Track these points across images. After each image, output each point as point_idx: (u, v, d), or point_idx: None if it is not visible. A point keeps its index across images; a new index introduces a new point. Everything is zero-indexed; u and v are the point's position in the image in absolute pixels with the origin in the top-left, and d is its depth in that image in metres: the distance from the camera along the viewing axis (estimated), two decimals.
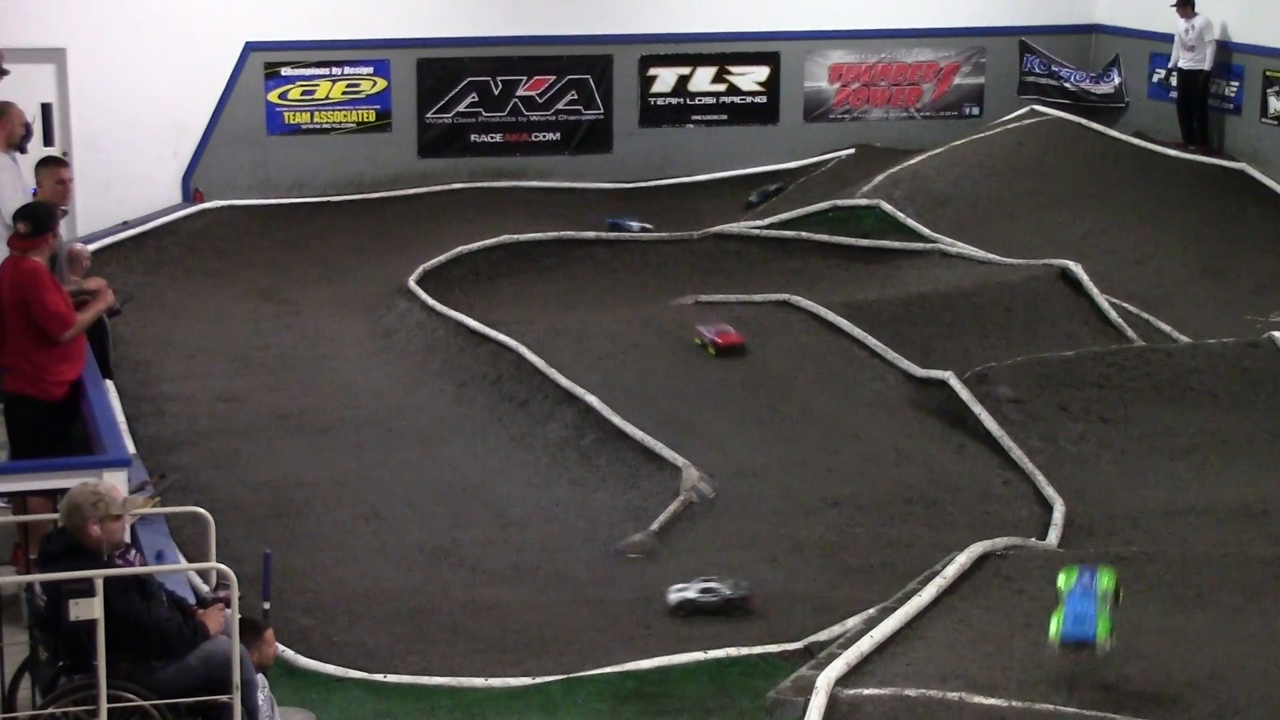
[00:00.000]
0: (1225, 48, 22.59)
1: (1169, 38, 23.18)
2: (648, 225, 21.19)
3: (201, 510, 9.27)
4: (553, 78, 23.73)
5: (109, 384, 14.58)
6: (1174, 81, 22.85)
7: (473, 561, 12.62)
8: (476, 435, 15.08)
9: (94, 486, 8.32)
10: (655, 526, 12.88)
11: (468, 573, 12.42)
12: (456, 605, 11.96)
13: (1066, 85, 24.78)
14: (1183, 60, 22.35)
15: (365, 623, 11.64)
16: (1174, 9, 22.20)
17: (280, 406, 15.89)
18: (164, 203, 22.19)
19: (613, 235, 20.79)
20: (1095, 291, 17.88)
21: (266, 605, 9.49)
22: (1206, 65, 22.08)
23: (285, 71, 22.83)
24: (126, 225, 21.36)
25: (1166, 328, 17.78)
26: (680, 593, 11.65)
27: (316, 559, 12.66)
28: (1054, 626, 9.79)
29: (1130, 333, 17.34)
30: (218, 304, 19.02)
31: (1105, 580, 9.97)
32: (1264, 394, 15.56)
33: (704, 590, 11.69)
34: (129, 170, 21.96)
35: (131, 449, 13.00)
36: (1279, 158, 21.98)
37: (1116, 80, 24.57)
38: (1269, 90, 22.16)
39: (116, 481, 9.32)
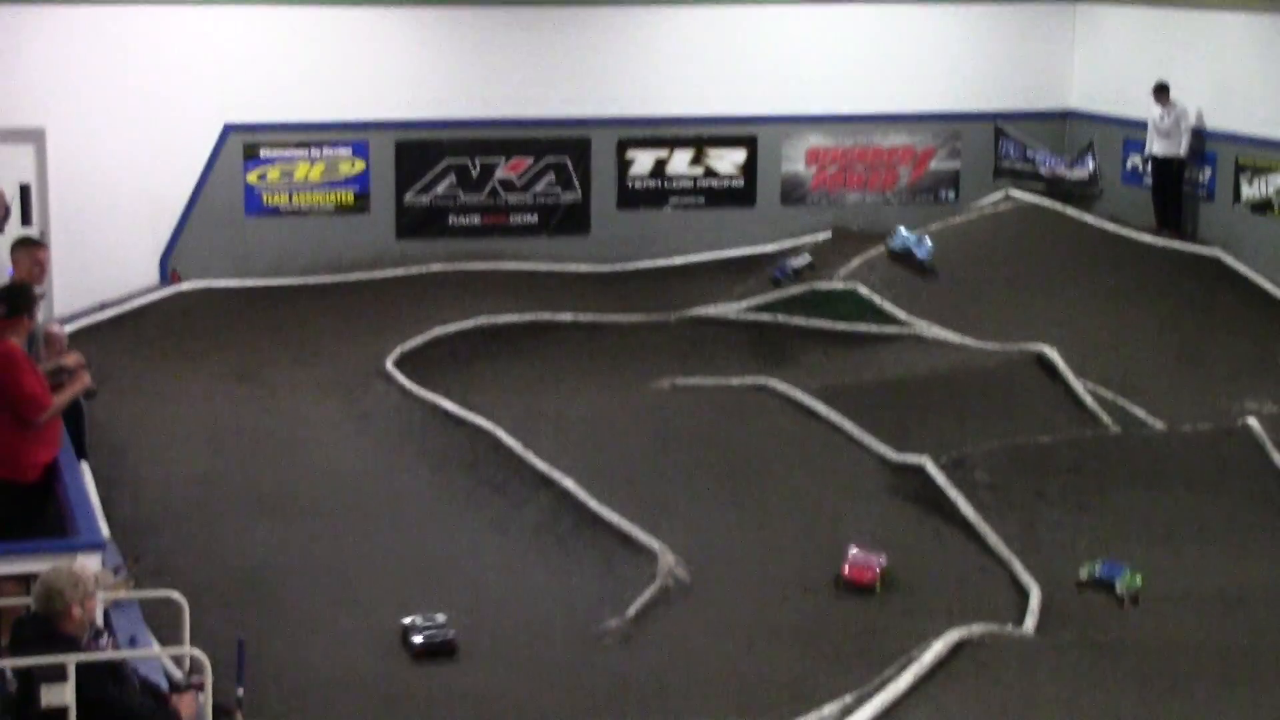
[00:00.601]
0: (1199, 135, 22.80)
1: (1143, 124, 23.37)
2: (808, 262, 20.84)
3: (175, 594, 9.22)
4: (531, 160, 23.83)
5: (84, 466, 14.55)
6: (1148, 168, 22.95)
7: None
8: (453, 518, 15.04)
9: (70, 568, 8.28)
10: (631, 612, 12.84)
11: (444, 657, 12.35)
12: (432, 690, 11.89)
13: (1041, 170, 24.95)
14: (1157, 147, 22.48)
15: (341, 708, 11.57)
16: (1152, 95, 22.42)
17: (256, 489, 15.83)
18: (141, 284, 22.19)
19: (589, 318, 20.80)
20: (1071, 376, 17.94)
21: (240, 691, 9.42)
22: (1182, 152, 22.25)
23: (264, 153, 22.90)
24: (104, 306, 21.34)
25: (1142, 413, 17.83)
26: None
27: (291, 643, 12.58)
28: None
29: (1106, 418, 17.39)
30: (194, 385, 18.97)
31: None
32: (1239, 480, 15.60)
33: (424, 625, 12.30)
34: (106, 251, 21.96)
35: (106, 531, 12.95)
36: (1252, 244, 22.14)
37: (1091, 166, 24.75)
38: (1241, 177, 22.35)
39: (90, 564, 9.28)
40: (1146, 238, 22.08)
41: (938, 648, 11.47)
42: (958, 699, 10.97)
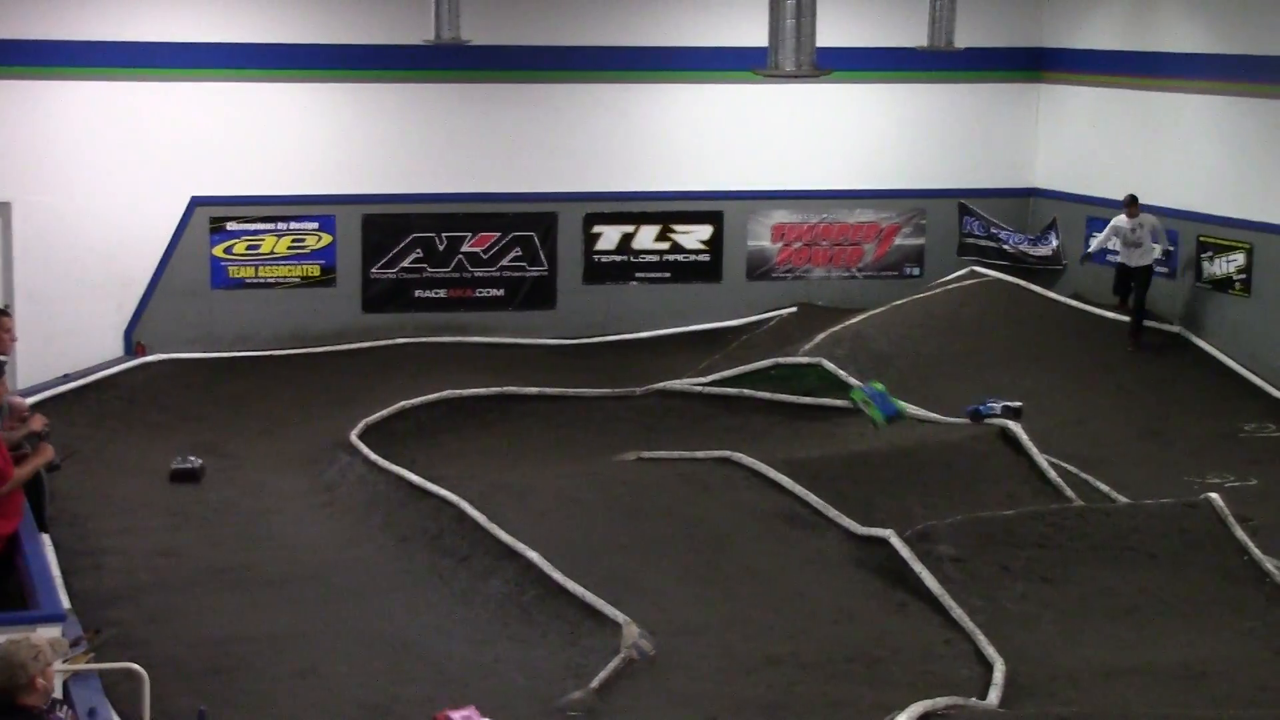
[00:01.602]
0: (1161, 213, 23.00)
1: (1105, 202, 23.60)
2: (1011, 404, 19.25)
3: (136, 666, 9.16)
4: (497, 234, 23.93)
5: (45, 538, 14.48)
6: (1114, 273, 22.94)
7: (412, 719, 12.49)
8: (417, 591, 14.98)
9: (28, 640, 8.22)
10: (595, 684, 12.79)
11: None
12: None
13: (1005, 247, 25.14)
14: (1128, 259, 22.46)
15: None
16: (1123, 207, 22.43)
17: (219, 561, 15.77)
18: (105, 356, 22.17)
19: (555, 391, 20.81)
20: (1034, 451, 18.00)
21: None
22: (1159, 255, 22.42)
23: (231, 226, 22.95)
24: (67, 378, 21.30)
25: (1105, 488, 17.90)
26: None
27: (253, 717, 12.49)
28: (876, 415, 16.49)
29: (1069, 493, 17.43)
30: (158, 458, 18.91)
31: (878, 385, 17.36)
32: (1202, 555, 15.64)
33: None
34: (71, 323, 21.97)
35: (66, 604, 12.88)
36: (1214, 321, 22.33)
37: (1054, 243, 24.95)
38: (1203, 255, 22.54)
39: (48, 634, 9.22)
40: (1110, 314, 22.22)
41: None
42: None
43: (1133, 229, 22.25)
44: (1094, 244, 23.02)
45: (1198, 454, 19.32)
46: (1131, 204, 22.33)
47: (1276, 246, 21.62)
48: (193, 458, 18.61)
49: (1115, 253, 22.74)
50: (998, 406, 18.94)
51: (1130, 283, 22.45)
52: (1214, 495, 16.47)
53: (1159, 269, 22.71)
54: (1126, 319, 22.33)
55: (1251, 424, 20.40)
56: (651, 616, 13.97)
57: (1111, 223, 22.57)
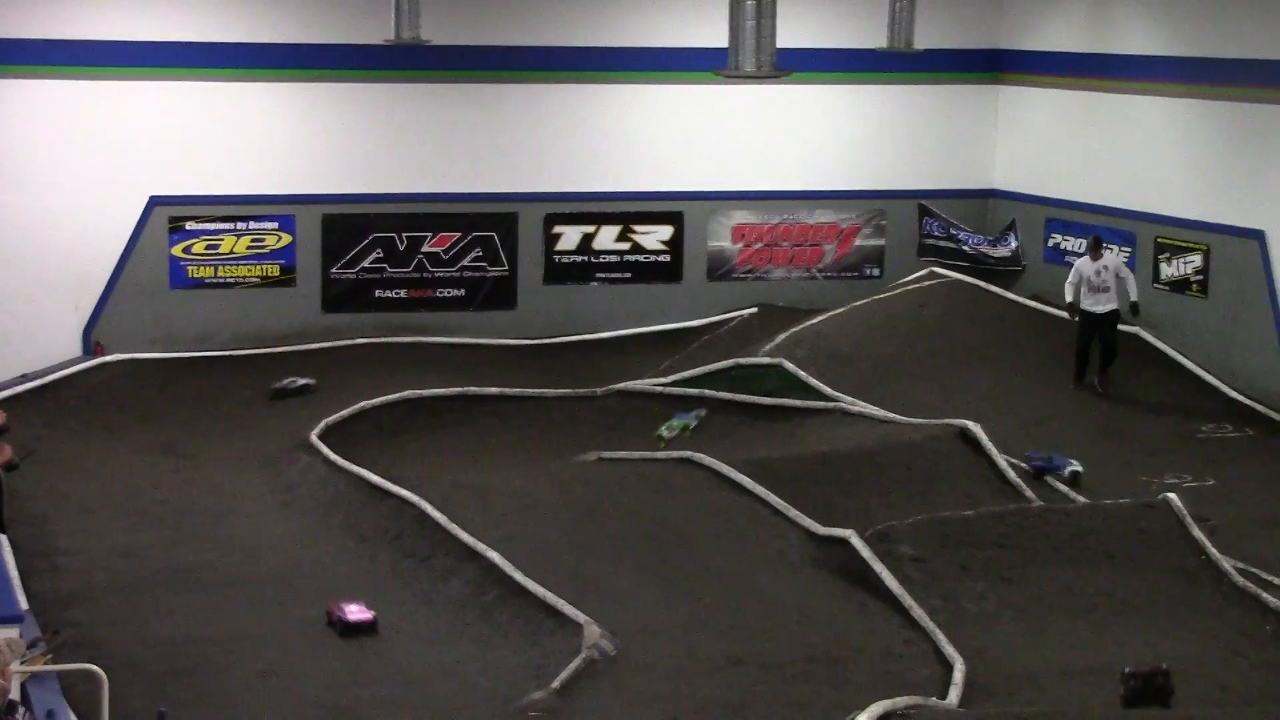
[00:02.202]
0: (1119, 214, 23.12)
1: (1064, 203, 23.72)
2: (1077, 468, 18.38)
3: (95, 668, 9.13)
4: (458, 234, 23.90)
5: (2, 539, 14.44)
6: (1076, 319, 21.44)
7: None
8: (378, 591, 14.95)
9: None
10: (557, 684, 12.78)
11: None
12: None
13: (965, 248, 25.22)
14: (1093, 304, 21.11)
15: None
16: (1087, 250, 21.44)
17: (178, 562, 15.71)
18: (64, 356, 22.06)
19: (516, 391, 20.79)
20: (994, 451, 18.06)
21: None
22: (1134, 297, 21.16)
23: (190, 226, 22.86)
24: (25, 378, 21.19)
25: (1064, 488, 17.97)
26: None
27: (213, 718, 12.46)
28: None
29: (1029, 493, 17.50)
30: (117, 458, 18.84)
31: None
32: (1160, 554, 15.71)
33: None
34: (29, 323, 21.88)
35: (24, 605, 12.83)
36: (1172, 322, 22.43)
37: (1013, 244, 25.04)
38: (1160, 256, 22.65)
39: (4, 634, 9.18)
40: (1067, 315, 22.32)
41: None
42: None
43: (1097, 272, 21.09)
44: (1069, 293, 21.27)
45: (1156, 454, 19.41)
46: (1095, 247, 21.35)
47: (1233, 248, 21.74)
48: (299, 379, 20.48)
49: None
50: (1066, 471, 18.27)
51: (1095, 334, 21.11)
52: (1172, 495, 16.56)
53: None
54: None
55: (1209, 425, 20.52)
56: (612, 617, 13.97)
57: (1075, 266, 21.45)
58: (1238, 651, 14.17)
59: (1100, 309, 21.11)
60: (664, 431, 18.90)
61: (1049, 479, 18.08)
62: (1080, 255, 21.87)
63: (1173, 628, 14.66)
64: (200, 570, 15.49)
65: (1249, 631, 14.56)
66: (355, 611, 14.04)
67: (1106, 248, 21.77)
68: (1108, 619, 14.80)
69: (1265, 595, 15.08)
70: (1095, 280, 21.10)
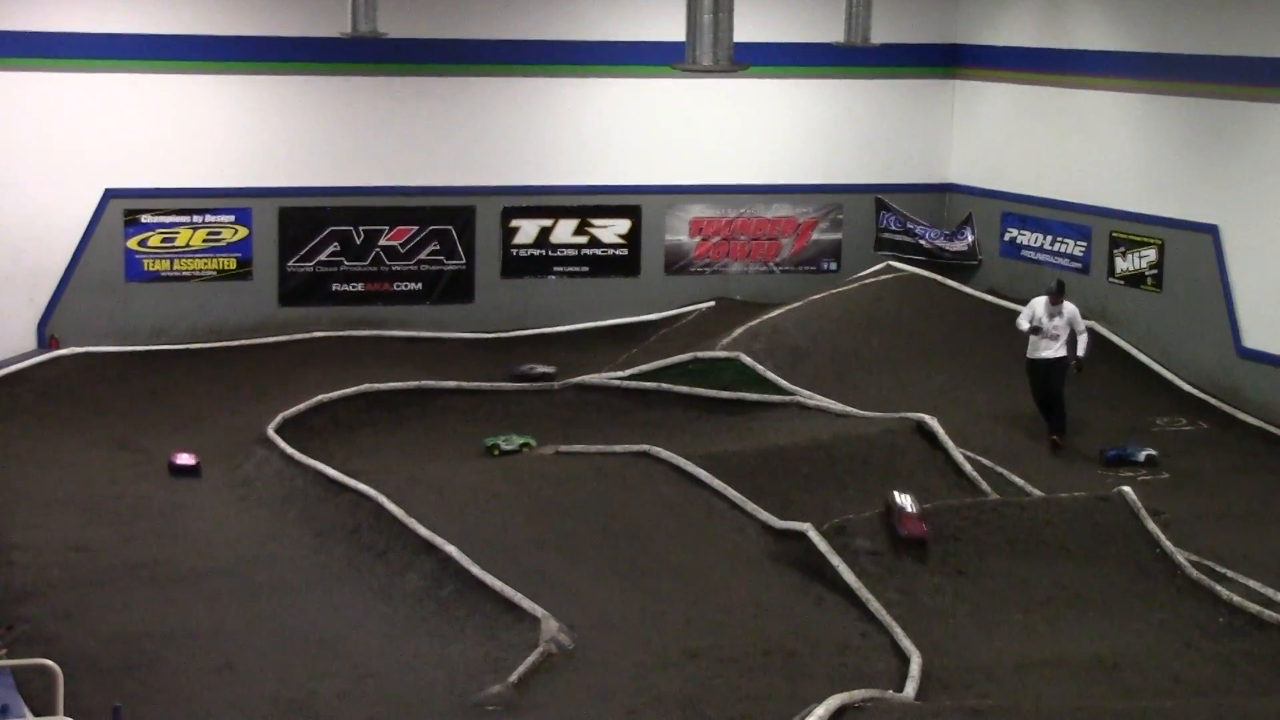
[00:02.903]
0: (1074, 209, 23.21)
1: (1020, 198, 23.80)
2: (1152, 452, 19.11)
3: (49, 662, 9.08)
4: (415, 228, 23.86)
5: None
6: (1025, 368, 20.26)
7: (329, 715, 12.44)
8: (334, 585, 14.93)
9: None
10: (514, 678, 12.78)
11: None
12: None
13: (921, 242, 25.30)
14: (1044, 351, 19.91)
15: None
16: (1046, 296, 20.04)
17: (134, 557, 15.64)
18: (18, 349, 21.96)
19: (473, 385, 20.76)
20: (951, 445, 18.11)
21: None
22: (1081, 352, 19.92)
23: (145, 219, 22.77)
24: None
25: (1020, 481, 18.05)
26: None
27: (169, 713, 12.42)
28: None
29: (985, 486, 17.56)
30: (71, 452, 18.75)
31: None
32: (1114, 548, 15.79)
33: None
34: None
35: None
36: (1127, 316, 22.56)
37: (970, 238, 25.13)
38: (1115, 251, 22.76)
39: None
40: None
41: (819, 713, 11.49)
42: None
43: (1050, 315, 19.84)
44: (1023, 323, 20.03)
45: (1110, 448, 19.52)
46: (1057, 292, 19.96)
47: (1187, 242, 21.87)
48: (540, 366, 21.62)
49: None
50: (1141, 455, 19.13)
51: (1045, 382, 19.94)
52: (1126, 489, 16.63)
53: (1073, 265, 22.87)
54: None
55: (1163, 418, 20.65)
56: (569, 611, 13.98)
57: (1032, 302, 20.20)
58: (1191, 643, 14.27)
59: (1047, 355, 19.82)
60: (500, 442, 18.71)
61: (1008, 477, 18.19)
62: (1039, 294, 20.36)
63: (1127, 620, 14.74)
64: (156, 565, 15.43)
65: (1202, 624, 14.64)
66: (184, 458, 16.16)
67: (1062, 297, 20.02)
68: (1063, 612, 14.87)
69: (1218, 588, 15.18)
70: (1047, 325, 19.81)
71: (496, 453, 18.53)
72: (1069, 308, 19.91)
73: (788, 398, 20.01)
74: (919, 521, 15.39)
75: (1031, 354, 19.90)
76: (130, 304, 22.73)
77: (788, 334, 22.00)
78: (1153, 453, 19.23)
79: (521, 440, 18.68)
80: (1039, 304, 19.96)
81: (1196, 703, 12.78)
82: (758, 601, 14.79)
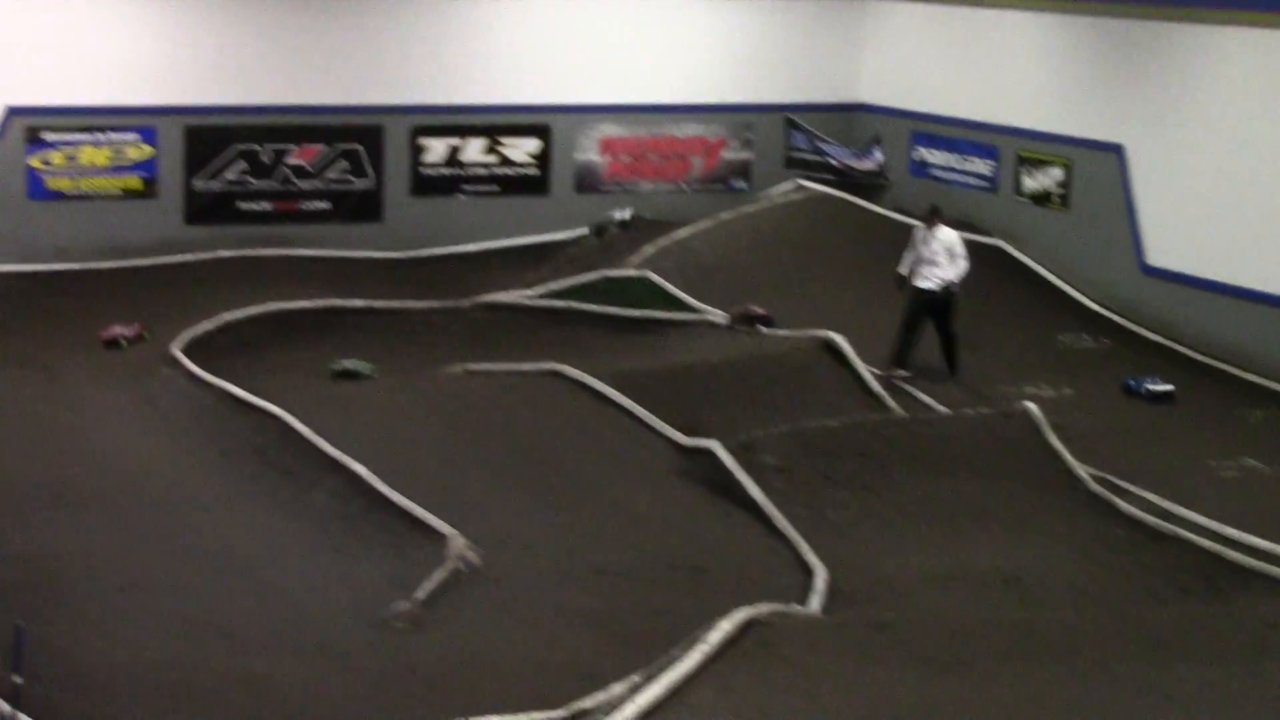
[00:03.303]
0: (982, 128, 23.30)
1: (928, 117, 23.85)
2: (1169, 388, 18.95)
3: None
4: (323, 146, 23.66)
5: None
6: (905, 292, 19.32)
7: (235, 633, 12.41)
8: (241, 504, 14.87)
9: None
10: (421, 595, 12.81)
11: (229, 644, 12.20)
12: (218, 678, 11.74)
13: (831, 161, 25.34)
14: (922, 280, 19.01)
15: (123, 698, 11.37)
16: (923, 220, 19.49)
17: (37, 477, 15.49)
18: None
19: (382, 304, 20.66)
20: (857, 362, 18.22)
21: (19, 680, 9.24)
22: (952, 276, 18.93)
23: (48, 136, 22.45)
24: None
25: (926, 398, 18.19)
26: None
27: (74, 632, 12.33)
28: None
29: (891, 403, 17.70)
30: None
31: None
32: (1017, 463, 15.96)
33: None
34: None
35: None
36: (1033, 234, 22.72)
37: (879, 157, 25.19)
38: (1022, 169, 22.89)
39: None
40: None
41: (725, 628, 11.58)
42: (745, 677, 11.09)
43: (925, 240, 19.04)
44: (902, 263, 19.33)
45: (1016, 364, 19.68)
46: (930, 215, 19.33)
47: (1094, 162, 22.02)
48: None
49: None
50: (1156, 387, 18.96)
51: (923, 314, 18.99)
52: (1030, 405, 16.80)
53: (980, 184, 22.98)
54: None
55: (1068, 335, 20.83)
56: (477, 528, 14.00)
57: (913, 232, 19.60)
58: (1091, 556, 14.48)
59: (925, 284, 18.92)
60: (348, 364, 18.45)
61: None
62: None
63: (1030, 534, 14.93)
64: (60, 485, 15.29)
65: (1102, 537, 14.85)
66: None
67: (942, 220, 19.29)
68: (967, 527, 15.05)
69: (1119, 501, 15.39)
70: (924, 252, 18.99)
71: (346, 375, 18.27)
72: (946, 233, 19.04)
73: (697, 316, 20.06)
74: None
75: (916, 281, 19.10)
76: (33, 223, 22.44)
77: (697, 252, 22.02)
78: (1170, 388, 18.99)
79: (366, 366, 18.35)
80: (918, 231, 19.44)
81: (1095, 613, 13.00)
82: (665, 518, 14.88)
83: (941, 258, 18.93)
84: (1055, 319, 21.22)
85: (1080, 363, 20.03)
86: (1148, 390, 18.91)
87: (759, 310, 19.83)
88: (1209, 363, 20.05)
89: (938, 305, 19.01)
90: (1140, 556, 14.46)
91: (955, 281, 18.95)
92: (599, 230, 22.45)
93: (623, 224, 22.44)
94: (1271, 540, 14.60)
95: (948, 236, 19.07)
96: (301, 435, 15.69)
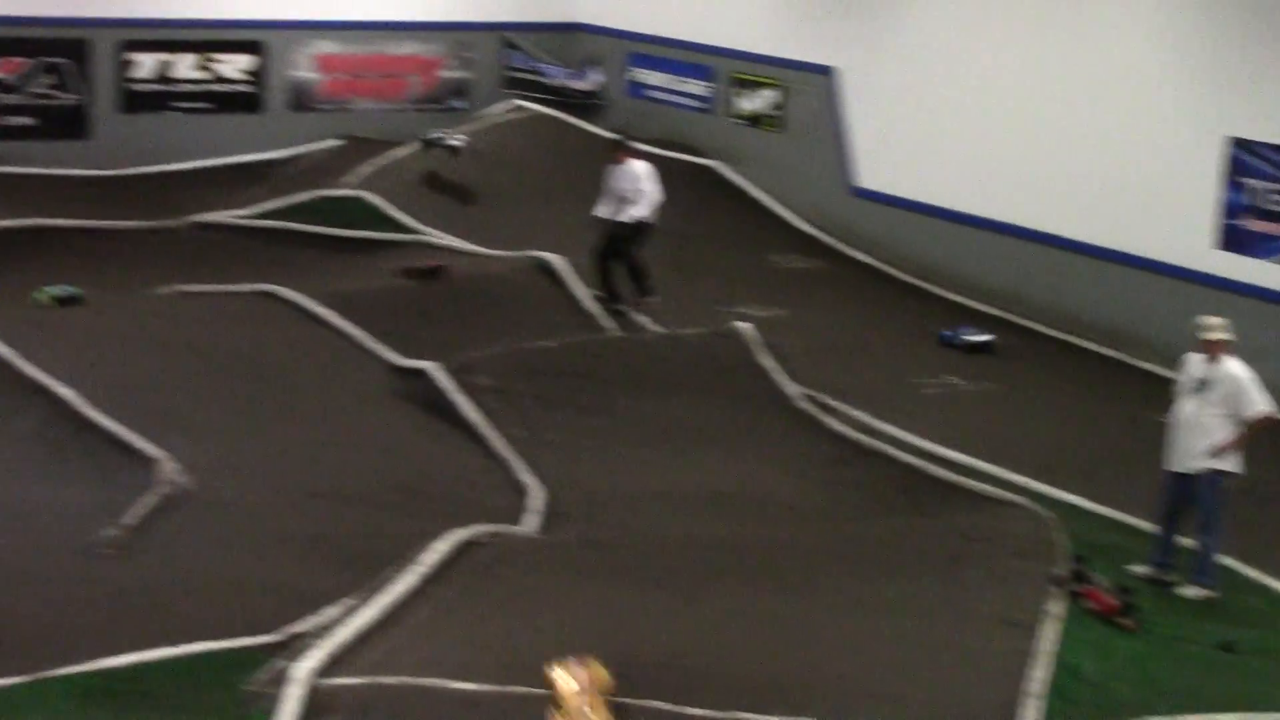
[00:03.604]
0: (697, 49, 23.52)
1: (645, 38, 23.99)
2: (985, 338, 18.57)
3: None
4: (27, 60, 22.93)
5: None
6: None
7: None
8: None
9: None
10: (130, 521, 12.60)
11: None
12: None
13: (548, 81, 25.35)
14: (615, 213, 18.49)
15: None
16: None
17: None
18: None
19: (91, 224, 20.14)
20: (573, 283, 18.33)
21: None
22: (639, 213, 18.42)
23: None
24: None
25: (643, 318, 18.37)
26: None
27: None
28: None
29: (607, 323, 17.84)
30: None
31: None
32: (730, 382, 16.25)
33: None
34: None
35: None
36: (746, 155, 23.05)
37: (595, 78, 25.28)
38: (734, 91, 23.18)
39: None
40: (648, 149, 22.67)
41: (441, 548, 11.64)
42: (460, 597, 11.16)
43: (615, 176, 18.56)
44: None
45: (729, 285, 20.00)
46: (616, 149, 18.80)
47: (806, 84, 22.38)
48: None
49: None
50: (973, 338, 18.41)
51: (621, 246, 18.48)
52: (743, 325, 17.09)
53: (696, 105, 23.20)
54: (664, 153, 22.59)
55: (780, 256, 21.22)
56: (190, 452, 13.79)
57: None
58: (800, 473, 14.80)
59: (614, 217, 18.46)
60: (54, 291, 17.77)
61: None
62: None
63: (743, 452, 15.19)
64: None
65: (810, 454, 15.19)
66: None
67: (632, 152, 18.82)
68: (681, 445, 15.26)
69: (825, 419, 15.77)
70: (617, 187, 18.48)
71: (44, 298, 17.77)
72: (635, 165, 18.52)
73: (413, 236, 19.97)
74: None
75: (606, 215, 18.61)
76: None
77: (414, 172, 21.90)
78: (992, 338, 18.52)
79: (73, 290, 17.82)
80: (608, 169, 18.71)
81: (802, 529, 13.35)
82: (382, 440, 14.84)
83: (633, 192, 18.40)
84: (769, 240, 21.60)
85: (792, 283, 20.42)
86: (964, 341, 18.43)
87: (431, 263, 18.75)
88: (914, 283, 20.62)
89: (629, 236, 18.54)
90: (846, 472, 14.82)
91: (646, 215, 18.49)
92: (428, 144, 21.96)
93: (452, 149, 22.05)
94: (970, 455, 15.15)
95: (637, 169, 18.53)
96: (3, 358, 15.25)
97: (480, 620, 10.76)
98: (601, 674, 9.48)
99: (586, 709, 9.16)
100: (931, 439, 15.47)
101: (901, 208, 21.12)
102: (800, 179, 22.39)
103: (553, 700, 9.28)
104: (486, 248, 19.47)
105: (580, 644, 9.97)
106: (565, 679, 9.38)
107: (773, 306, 19.41)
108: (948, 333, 18.67)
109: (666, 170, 21.92)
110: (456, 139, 22.17)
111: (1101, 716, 10.22)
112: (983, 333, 18.62)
